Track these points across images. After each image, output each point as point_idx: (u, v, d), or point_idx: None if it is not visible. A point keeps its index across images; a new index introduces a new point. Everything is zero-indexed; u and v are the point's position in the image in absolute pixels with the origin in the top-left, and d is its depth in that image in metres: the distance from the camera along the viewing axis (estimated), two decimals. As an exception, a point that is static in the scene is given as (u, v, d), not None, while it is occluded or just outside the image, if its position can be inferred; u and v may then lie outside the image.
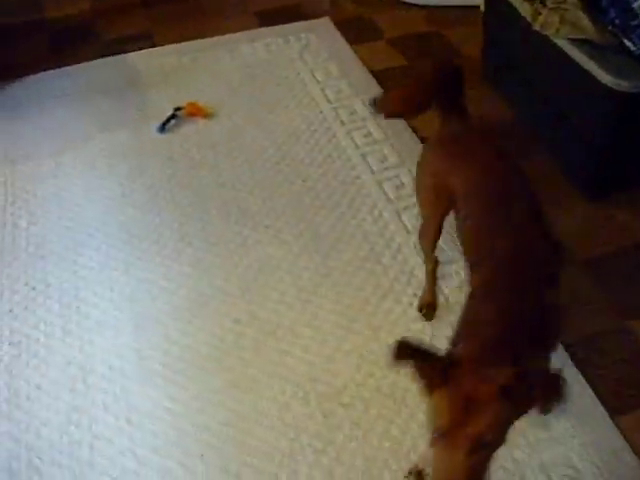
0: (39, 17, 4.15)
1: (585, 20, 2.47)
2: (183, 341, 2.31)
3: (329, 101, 3.35)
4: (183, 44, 3.80)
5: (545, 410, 1.30)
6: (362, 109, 3.26)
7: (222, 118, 3.28)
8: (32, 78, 3.61)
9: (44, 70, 3.65)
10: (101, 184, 2.96)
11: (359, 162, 2.97)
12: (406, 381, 2.05)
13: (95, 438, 2.06)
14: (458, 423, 1.25)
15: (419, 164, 2.05)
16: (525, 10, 2.69)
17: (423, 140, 2.95)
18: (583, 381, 2.10)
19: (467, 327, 1.58)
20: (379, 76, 3.48)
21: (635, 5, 2.39)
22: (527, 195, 1.75)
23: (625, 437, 1.97)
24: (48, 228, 2.75)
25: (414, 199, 2.20)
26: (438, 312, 2.32)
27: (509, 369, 1.27)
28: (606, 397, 2.06)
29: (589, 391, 2.08)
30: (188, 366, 2.24)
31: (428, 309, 2.32)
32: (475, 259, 1.71)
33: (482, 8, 3.42)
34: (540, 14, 2.60)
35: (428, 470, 1.82)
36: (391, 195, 2.79)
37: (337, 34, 3.84)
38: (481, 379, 1.27)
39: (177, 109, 3.24)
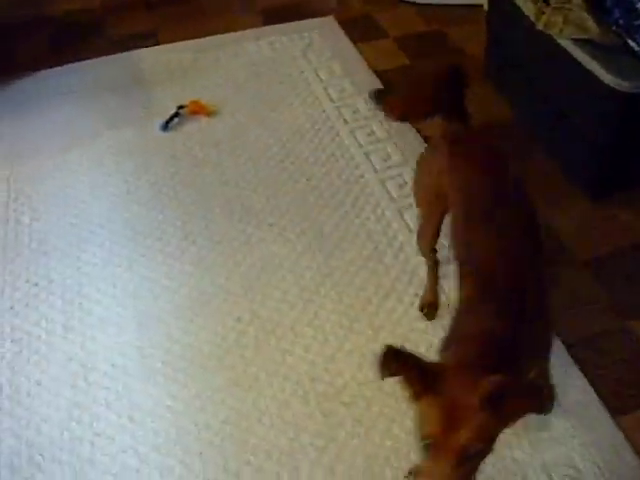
0: (45, 13, 4.17)
1: (589, 20, 2.46)
2: (185, 339, 2.31)
3: (332, 100, 3.35)
4: (188, 42, 3.81)
5: (539, 413, 1.29)
6: (365, 108, 3.26)
7: (225, 116, 3.28)
8: (39, 74, 3.62)
9: (50, 67, 3.67)
10: (107, 181, 2.96)
11: (362, 161, 2.97)
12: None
13: (96, 435, 2.07)
14: (444, 433, 1.23)
15: (418, 164, 2.07)
16: (529, 9, 2.68)
17: (426, 139, 2.95)
18: (584, 381, 2.10)
19: (457, 332, 1.57)
20: (382, 75, 3.48)
21: (639, 5, 2.38)
22: (519, 200, 1.75)
23: (626, 437, 1.97)
24: (51, 224, 2.76)
25: (416, 198, 2.20)
26: (439, 312, 2.32)
27: (495, 377, 1.25)
28: (606, 397, 2.06)
29: (590, 391, 2.08)
30: (189, 364, 2.24)
31: (430, 309, 2.32)
32: (463, 265, 1.71)
33: (485, 7, 3.41)
34: (544, 13, 2.59)
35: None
36: (394, 194, 2.79)
37: (341, 33, 3.84)
38: (467, 388, 1.26)
39: (180, 107, 3.25)
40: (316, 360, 2.22)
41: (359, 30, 3.86)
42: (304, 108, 3.30)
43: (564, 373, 2.11)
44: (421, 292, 2.37)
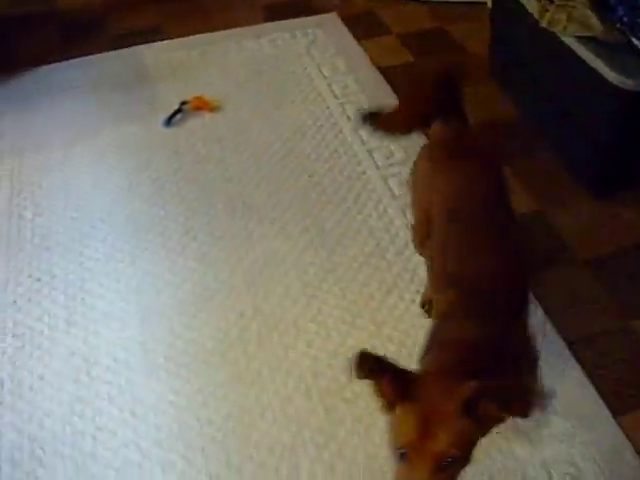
0: (50, 8, 4.16)
1: (593, 18, 2.46)
2: (187, 334, 2.32)
3: (336, 96, 3.35)
4: (192, 38, 3.80)
5: (525, 416, 1.27)
6: (369, 105, 3.25)
7: (229, 112, 3.28)
8: (43, 70, 3.61)
9: (55, 62, 3.66)
10: (109, 176, 2.96)
11: (365, 158, 2.97)
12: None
13: (98, 430, 2.07)
14: (421, 439, 1.23)
15: (414, 163, 2.07)
16: (532, 7, 2.68)
17: (429, 137, 2.94)
18: (584, 380, 2.10)
19: (437, 338, 1.57)
20: (386, 72, 3.48)
21: (643, 3, 2.39)
22: (500, 202, 1.75)
23: (626, 436, 1.97)
24: (54, 219, 2.76)
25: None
26: (441, 309, 2.32)
27: (473, 383, 1.24)
28: (607, 396, 2.06)
29: (591, 390, 2.08)
30: (192, 359, 2.24)
31: (430, 306, 2.32)
32: (440, 267, 1.71)
33: (489, 4, 3.41)
34: (547, 11, 2.59)
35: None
36: (396, 191, 2.79)
37: (344, 29, 3.84)
38: (445, 394, 1.25)
39: (183, 103, 3.24)
40: (319, 355, 2.23)
41: (362, 27, 3.85)
42: (307, 104, 3.30)
43: (564, 372, 2.11)
44: (422, 289, 2.37)
